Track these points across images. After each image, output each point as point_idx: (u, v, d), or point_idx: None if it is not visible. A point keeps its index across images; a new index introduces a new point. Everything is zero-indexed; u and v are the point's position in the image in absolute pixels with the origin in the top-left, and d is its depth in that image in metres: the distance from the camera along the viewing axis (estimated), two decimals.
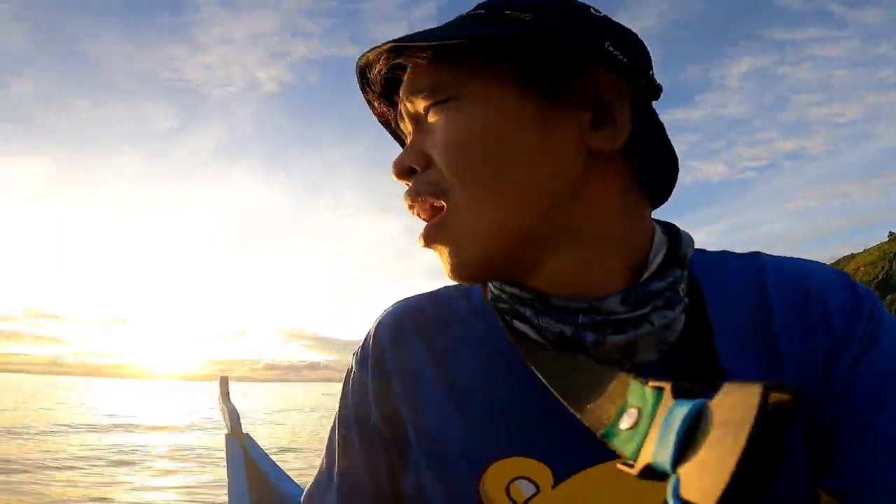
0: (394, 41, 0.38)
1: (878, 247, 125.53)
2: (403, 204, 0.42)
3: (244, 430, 1.43)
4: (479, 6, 0.40)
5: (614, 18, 0.40)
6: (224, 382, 1.58)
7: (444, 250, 0.40)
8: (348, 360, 0.51)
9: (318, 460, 0.50)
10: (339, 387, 0.50)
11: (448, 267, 0.40)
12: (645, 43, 0.41)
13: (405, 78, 0.41)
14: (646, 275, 0.39)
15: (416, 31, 0.38)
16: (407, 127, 0.43)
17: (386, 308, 0.50)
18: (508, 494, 0.38)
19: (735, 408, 0.22)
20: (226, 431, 1.39)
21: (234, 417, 1.33)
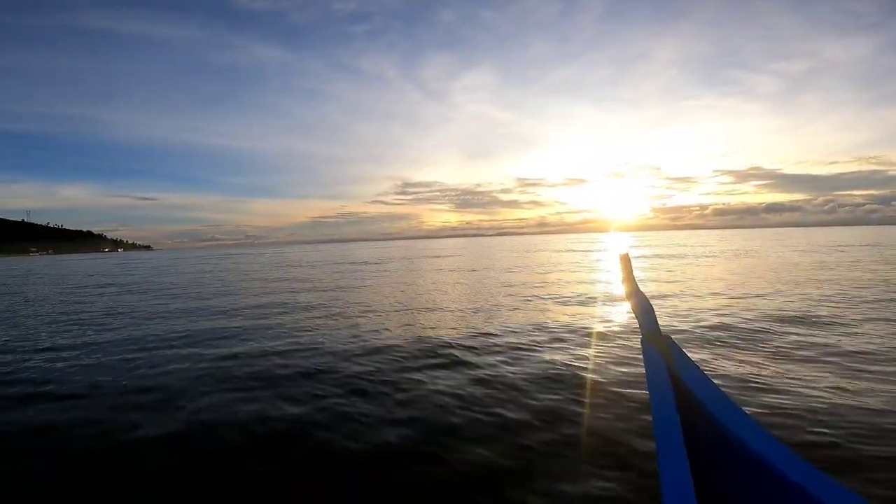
0: None
1: None
2: None
3: (664, 332, 1.01)
4: None
5: None
6: (626, 262, 1.22)
7: None
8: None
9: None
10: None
11: None
12: None
13: None
14: None
15: None
16: None
17: None
18: None
19: None
20: (641, 335, 1.03)
21: (648, 318, 1.06)
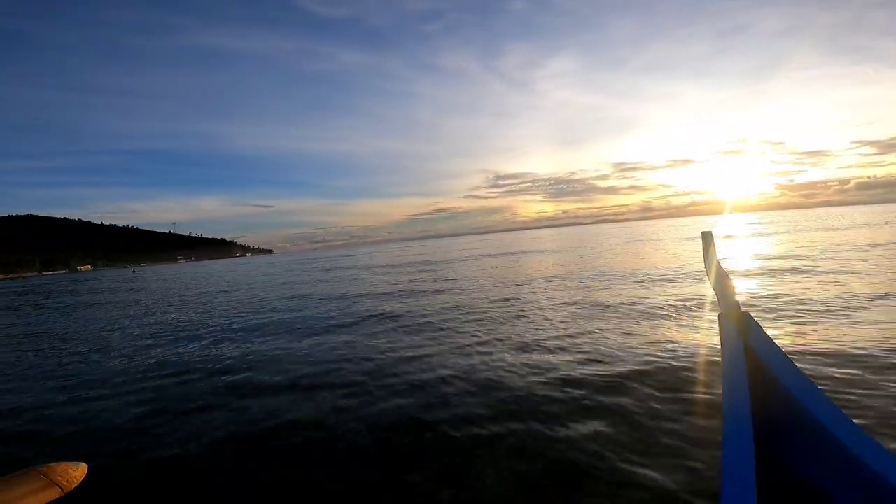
0: None
1: None
2: None
3: (744, 308, 1.09)
4: None
5: None
6: (708, 239, 1.22)
7: None
8: None
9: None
10: None
11: None
12: None
13: None
14: None
15: None
16: None
17: None
18: None
19: None
20: (718, 310, 1.11)
21: (725, 290, 1.07)
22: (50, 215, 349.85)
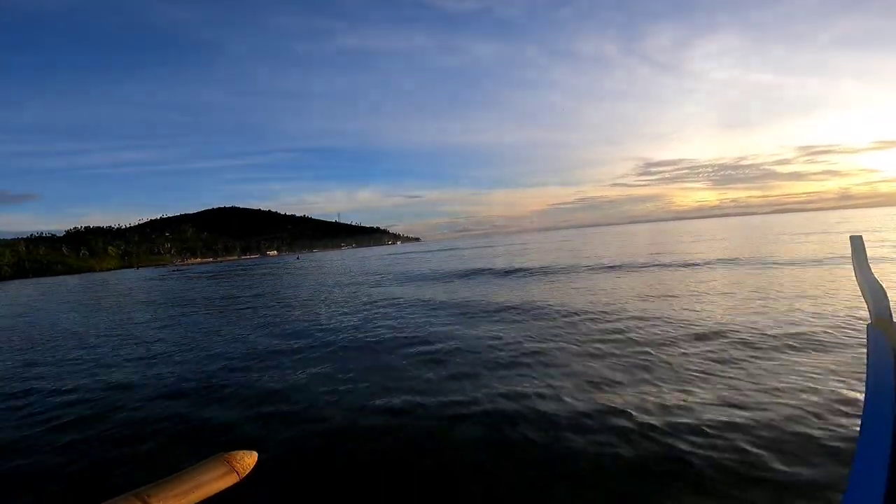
0: None
1: None
2: None
3: None
4: None
5: None
6: (858, 243, 1.10)
7: None
8: None
9: None
10: None
11: None
12: None
13: None
14: None
15: None
16: None
17: None
18: None
19: None
20: (869, 320, 0.94)
21: (877, 298, 0.89)
22: (248, 206, 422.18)
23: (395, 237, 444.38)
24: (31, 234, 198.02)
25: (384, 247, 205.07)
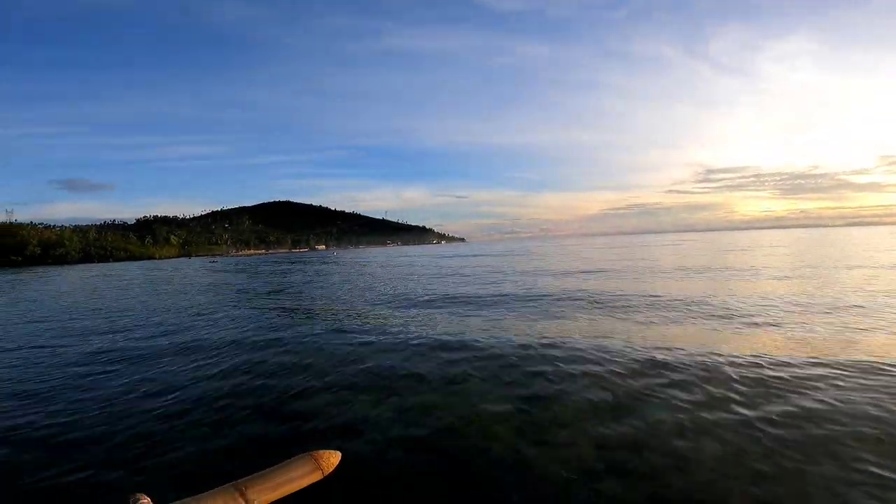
0: None
1: None
2: None
3: None
4: None
5: None
6: None
7: None
8: None
9: None
10: None
11: None
12: None
13: None
14: None
15: None
16: None
17: None
18: None
19: None
20: None
21: None
22: (300, 201, 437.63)
23: (441, 237, 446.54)
24: (104, 222, 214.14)
25: (424, 246, 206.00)
